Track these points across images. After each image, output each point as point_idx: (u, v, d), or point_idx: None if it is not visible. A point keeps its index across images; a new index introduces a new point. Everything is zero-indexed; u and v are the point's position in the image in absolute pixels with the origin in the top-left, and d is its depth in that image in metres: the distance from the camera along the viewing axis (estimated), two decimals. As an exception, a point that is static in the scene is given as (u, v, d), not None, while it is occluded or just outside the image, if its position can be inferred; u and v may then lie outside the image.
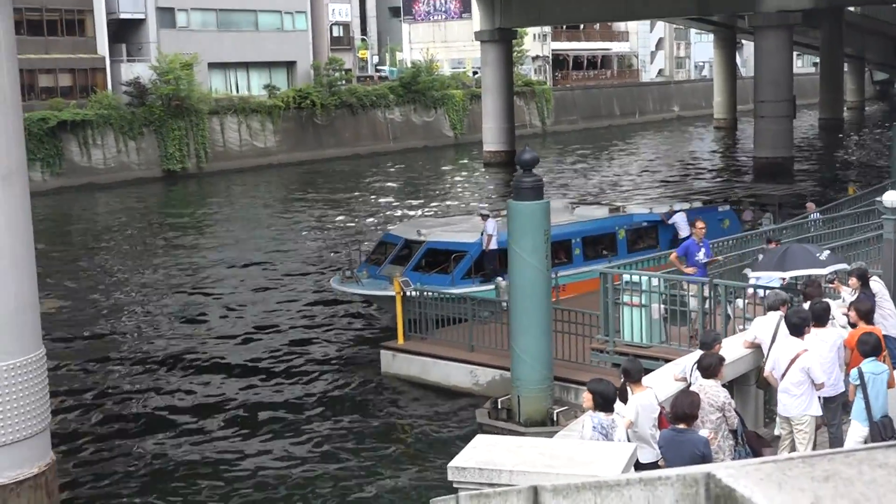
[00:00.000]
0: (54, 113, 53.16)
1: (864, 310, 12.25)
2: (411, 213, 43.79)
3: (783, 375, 11.52)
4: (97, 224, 44.78)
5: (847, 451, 2.79)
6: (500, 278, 22.90)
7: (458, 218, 32.94)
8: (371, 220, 43.04)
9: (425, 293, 21.51)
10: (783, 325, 12.15)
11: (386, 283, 23.79)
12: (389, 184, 56.26)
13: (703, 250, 18.22)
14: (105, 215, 47.51)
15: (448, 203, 48.13)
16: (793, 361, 11.39)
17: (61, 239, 40.34)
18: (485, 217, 25.25)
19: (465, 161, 67.09)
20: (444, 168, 64.39)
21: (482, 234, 24.46)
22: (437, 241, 24.75)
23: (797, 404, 11.39)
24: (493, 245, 24.21)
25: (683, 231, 26.57)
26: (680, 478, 3.08)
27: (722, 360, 10.96)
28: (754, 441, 11.13)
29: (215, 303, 28.85)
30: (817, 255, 15.74)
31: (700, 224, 19.17)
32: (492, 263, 24.19)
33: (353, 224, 42.22)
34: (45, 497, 14.21)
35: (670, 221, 26.88)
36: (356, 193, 51.93)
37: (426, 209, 45.33)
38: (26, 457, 13.98)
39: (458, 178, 59.42)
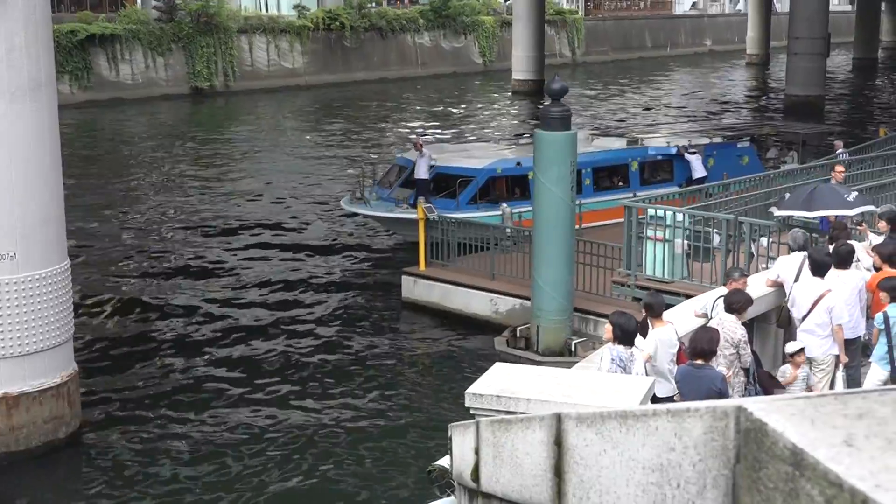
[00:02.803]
0: (83, 26, 52.92)
1: (887, 253, 12.14)
2: (435, 138, 43.62)
3: (805, 317, 11.49)
4: (123, 139, 44.80)
5: (881, 391, 2.77)
6: (504, 205, 23.08)
7: (477, 144, 32.93)
8: (393, 143, 42.90)
9: (447, 219, 21.59)
10: (807, 266, 12.09)
11: (393, 206, 24.40)
12: (416, 109, 55.99)
13: (853, 192, 16.42)
14: (131, 130, 47.51)
15: (473, 130, 47.90)
16: (816, 302, 11.36)
17: (87, 152, 40.40)
18: (420, 146, 25.43)
19: (493, 89, 66.61)
20: (471, 95, 63.98)
21: (415, 162, 24.96)
22: (446, 166, 24.85)
23: (820, 344, 11.37)
24: (423, 174, 24.56)
25: (697, 171, 26.39)
26: (709, 410, 3.08)
27: (750, 300, 10.92)
28: (766, 381, 11.15)
29: (235, 221, 28.93)
30: (845, 195, 15.61)
31: (840, 168, 18.98)
32: (425, 191, 24.47)
33: (375, 147, 42.12)
34: (66, 406, 14.42)
35: (687, 156, 26.71)
36: (382, 117, 51.75)
37: (450, 135, 45.14)
38: (49, 366, 14.17)
39: (485, 106, 59.05)
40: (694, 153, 26.76)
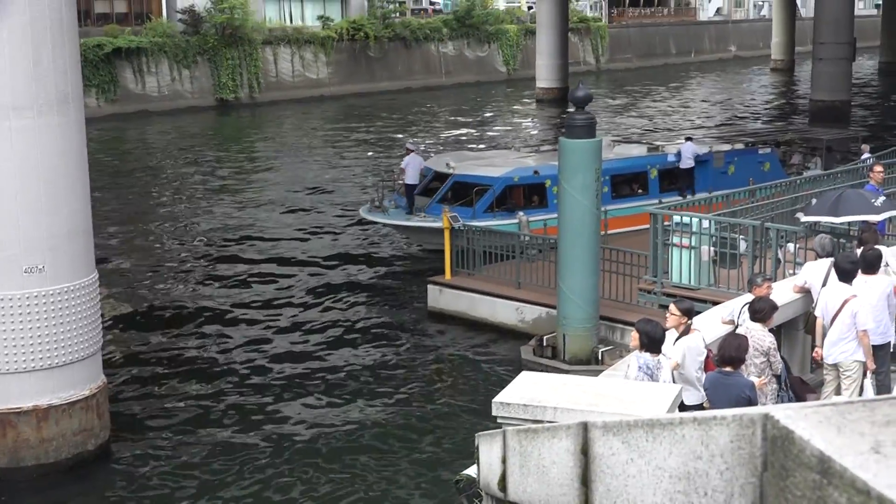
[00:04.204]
0: (110, 39, 53.37)
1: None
2: (458, 147, 43.65)
3: (832, 321, 11.44)
4: (149, 151, 45.08)
5: (909, 397, 2.76)
6: (521, 213, 23.16)
7: (496, 152, 32.97)
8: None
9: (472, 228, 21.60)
10: (834, 271, 12.03)
11: (409, 214, 24.77)
12: (440, 118, 56.06)
13: (881, 197, 16.38)
14: (157, 143, 47.81)
15: (498, 138, 47.90)
16: (841, 307, 11.30)
17: (114, 165, 40.67)
18: (409, 151, 25.69)
19: (518, 97, 66.61)
20: (495, 103, 63.99)
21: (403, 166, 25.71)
22: (464, 175, 24.94)
23: (845, 350, 11.31)
24: (408, 179, 25.09)
25: (685, 162, 26.52)
26: (736, 418, 3.07)
27: (774, 307, 10.88)
28: (798, 386, 11.10)
29: (258, 232, 29.02)
30: (872, 200, 15.52)
31: (878, 168, 18.85)
32: (411, 197, 25.01)
33: (398, 156, 42.14)
34: (95, 418, 14.50)
35: (683, 145, 26.91)
36: (405, 127, 51.83)
37: (474, 144, 45.16)
38: (78, 378, 14.25)
39: (509, 114, 59.05)
40: (689, 139, 27.05)
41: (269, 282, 23.96)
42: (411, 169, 25.23)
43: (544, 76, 63.01)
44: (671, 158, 26.87)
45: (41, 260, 13.69)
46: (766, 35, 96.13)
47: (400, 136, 48.58)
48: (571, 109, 17.88)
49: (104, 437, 14.76)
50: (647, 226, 18.31)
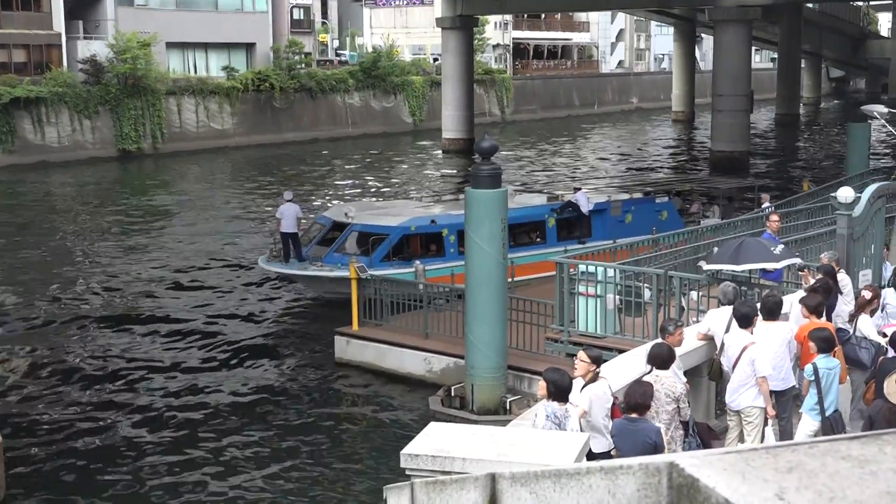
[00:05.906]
0: (8, 89, 52.37)
1: (812, 304, 12.24)
2: (364, 197, 43.68)
3: (733, 368, 11.57)
4: (47, 203, 44.22)
5: (811, 443, 2.79)
6: (417, 262, 23.30)
7: (398, 202, 33.18)
8: (321, 203, 42.85)
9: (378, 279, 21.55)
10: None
11: (307, 264, 24.92)
12: (346, 169, 56.04)
13: (780, 245, 16.38)
14: (57, 194, 46.94)
15: (403, 189, 48.02)
16: (741, 354, 11.44)
17: (11, 217, 39.79)
18: (285, 200, 26.55)
19: (424, 148, 66.96)
20: (402, 154, 64.23)
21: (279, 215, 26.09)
22: (362, 224, 25.03)
23: (746, 396, 11.44)
24: (284, 228, 25.51)
25: (584, 209, 27.14)
26: (642, 467, 3.06)
27: (672, 350, 10.93)
28: (705, 433, 11.18)
29: (157, 285, 28.55)
30: (772, 248, 15.82)
31: (774, 218, 19.17)
32: (288, 247, 25.34)
33: (303, 207, 41.96)
34: (-9, 478, 14.04)
35: (573, 199, 27.40)
36: (312, 178, 51.71)
37: (380, 194, 45.22)
38: (-28, 437, 13.80)
39: (415, 165, 59.29)
40: (578, 189, 28.26)
41: (167, 336, 23.53)
42: (287, 218, 25.41)
43: (450, 127, 63.52)
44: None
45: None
46: (667, 87, 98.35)
47: (304, 186, 48.43)
48: (477, 160, 17.99)
49: (0, 497, 14.29)
50: (547, 274, 18.46)
